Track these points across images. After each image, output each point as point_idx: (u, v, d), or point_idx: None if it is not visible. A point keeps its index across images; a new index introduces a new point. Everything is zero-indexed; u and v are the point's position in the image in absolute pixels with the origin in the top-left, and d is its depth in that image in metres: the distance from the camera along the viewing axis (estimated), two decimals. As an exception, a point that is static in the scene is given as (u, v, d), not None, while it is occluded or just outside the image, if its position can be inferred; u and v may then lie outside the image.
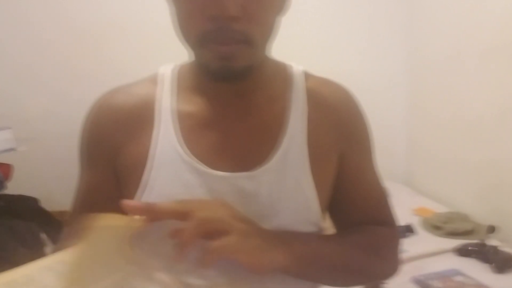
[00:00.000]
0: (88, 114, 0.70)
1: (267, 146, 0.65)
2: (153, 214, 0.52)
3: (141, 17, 2.36)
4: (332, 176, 0.69)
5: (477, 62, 1.97)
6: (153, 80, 0.71)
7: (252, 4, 0.57)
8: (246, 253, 0.53)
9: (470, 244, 1.62)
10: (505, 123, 1.81)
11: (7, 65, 2.39)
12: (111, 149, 0.66)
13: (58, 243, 0.67)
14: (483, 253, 1.55)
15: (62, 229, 0.68)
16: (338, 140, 0.68)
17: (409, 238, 1.75)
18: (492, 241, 1.67)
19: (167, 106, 0.67)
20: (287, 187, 0.64)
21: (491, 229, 1.76)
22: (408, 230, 1.79)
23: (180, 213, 0.53)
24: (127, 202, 0.52)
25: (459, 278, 1.41)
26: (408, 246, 1.48)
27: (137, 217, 0.53)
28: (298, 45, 2.06)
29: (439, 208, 2.09)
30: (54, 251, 0.54)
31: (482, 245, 1.60)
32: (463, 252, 1.60)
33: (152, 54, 1.93)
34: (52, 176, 2.38)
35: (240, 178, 0.63)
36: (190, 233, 0.51)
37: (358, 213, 0.72)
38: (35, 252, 1.81)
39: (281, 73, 0.72)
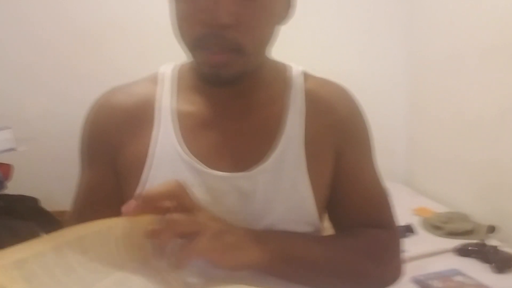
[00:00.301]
0: (88, 114, 0.71)
1: (265, 146, 0.65)
2: (152, 204, 0.52)
3: (141, 17, 2.36)
4: (330, 176, 0.68)
5: (477, 62, 1.97)
6: (153, 79, 0.71)
7: (246, 13, 0.56)
8: (218, 252, 0.53)
9: (470, 244, 1.62)
10: (505, 123, 1.80)
11: (7, 65, 2.39)
12: (111, 148, 0.67)
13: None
14: (483, 253, 1.54)
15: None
16: (337, 140, 0.68)
17: (409, 238, 1.75)
18: (492, 241, 1.66)
19: (167, 105, 0.67)
20: (282, 187, 0.64)
21: (491, 229, 1.76)
22: (408, 230, 1.78)
23: (170, 194, 0.53)
24: (126, 208, 0.52)
25: (459, 278, 1.41)
26: (408, 246, 1.47)
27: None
28: (298, 45, 2.06)
29: (439, 208, 2.08)
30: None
31: (482, 245, 1.60)
32: (463, 252, 1.59)
33: (152, 54, 1.93)
34: (52, 176, 2.37)
35: (238, 178, 0.63)
36: (165, 234, 0.51)
37: (356, 214, 0.71)
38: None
39: (281, 73, 0.72)
